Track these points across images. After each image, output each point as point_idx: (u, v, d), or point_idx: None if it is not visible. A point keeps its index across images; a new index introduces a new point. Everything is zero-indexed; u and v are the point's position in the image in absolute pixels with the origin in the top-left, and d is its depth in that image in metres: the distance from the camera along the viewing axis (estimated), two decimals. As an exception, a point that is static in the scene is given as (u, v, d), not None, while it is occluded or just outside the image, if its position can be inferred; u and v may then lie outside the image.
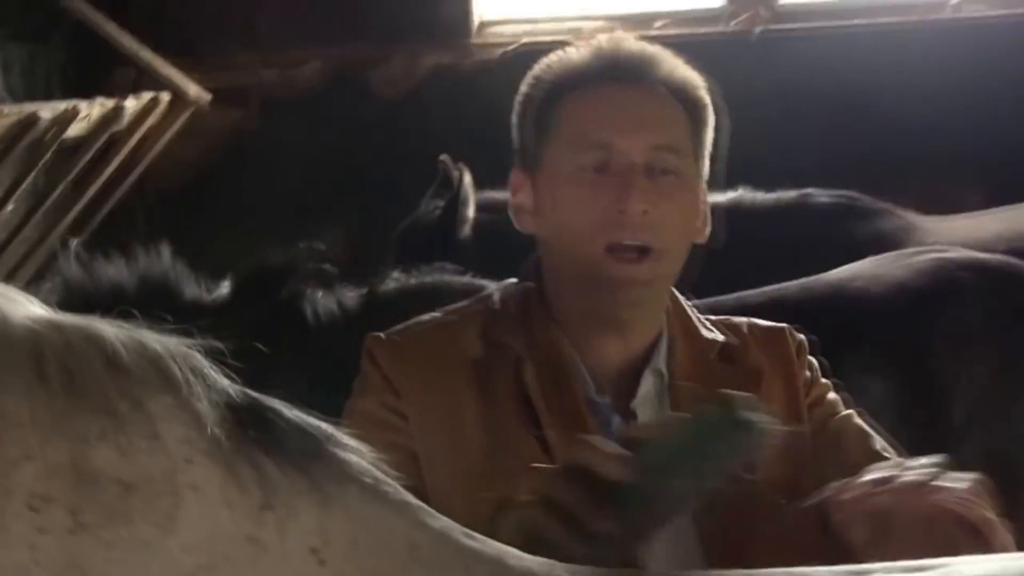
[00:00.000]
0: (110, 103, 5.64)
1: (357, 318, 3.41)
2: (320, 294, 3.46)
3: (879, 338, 3.33)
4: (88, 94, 5.62)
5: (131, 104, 5.77)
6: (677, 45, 2.20)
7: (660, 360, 2.10)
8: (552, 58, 2.17)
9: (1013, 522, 1.95)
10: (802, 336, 2.19)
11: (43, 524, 1.19)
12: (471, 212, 4.69)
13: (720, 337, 2.15)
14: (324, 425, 1.36)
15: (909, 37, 5.95)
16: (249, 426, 1.30)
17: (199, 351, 1.33)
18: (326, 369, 2.71)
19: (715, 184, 2.18)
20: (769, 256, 3.82)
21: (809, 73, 5.85)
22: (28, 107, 5.23)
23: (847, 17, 6.12)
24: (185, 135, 6.18)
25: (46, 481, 1.20)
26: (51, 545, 1.19)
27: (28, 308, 1.31)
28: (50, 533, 1.19)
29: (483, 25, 6.33)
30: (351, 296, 3.51)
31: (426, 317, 2.17)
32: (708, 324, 2.17)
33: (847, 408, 2.17)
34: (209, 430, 1.27)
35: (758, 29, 6.08)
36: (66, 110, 5.33)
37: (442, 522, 1.37)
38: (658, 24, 6.05)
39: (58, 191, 5.68)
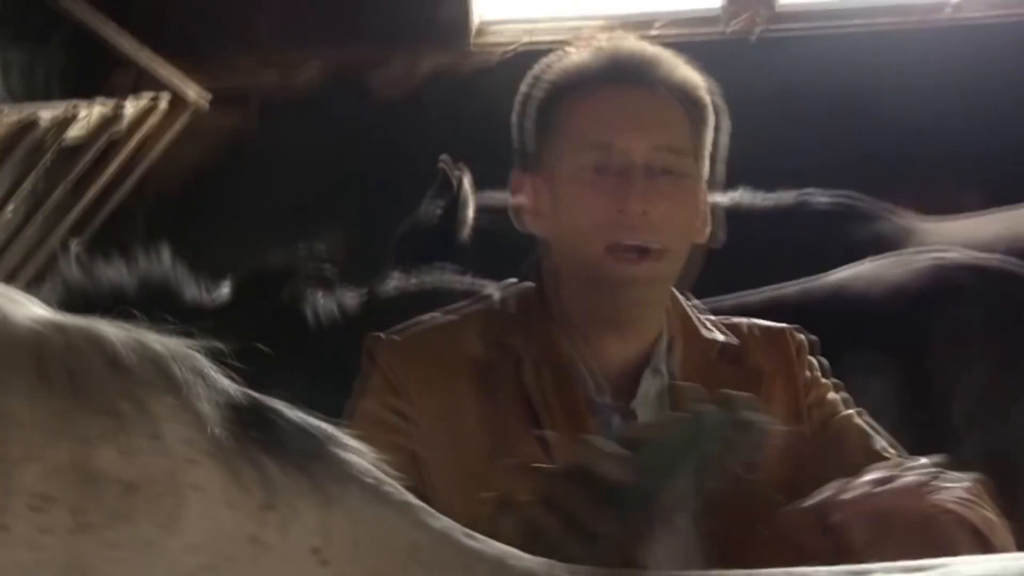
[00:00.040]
0: (110, 105, 5.64)
1: (357, 319, 3.42)
2: (320, 296, 3.47)
3: (878, 339, 3.34)
4: (88, 96, 5.62)
5: (131, 106, 5.78)
6: (676, 47, 2.21)
7: (661, 360, 2.10)
8: (553, 59, 2.18)
9: (1013, 522, 1.96)
10: (803, 336, 2.20)
11: (45, 524, 1.19)
12: (471, 213, 4.69)
13: (721, 337, 2.15)
14: (325, 425, 1.36)
15: (908, 39, 5.96)
16: (251, 426, 1.30)
17: (200, 352, 1.33)
18: (326, 370, 2.71)
19: (715, 185, 2.18)
20: (768, 257, 3.82)
21: (808, 75, 5.85)
22: (28, 109, 5.23)
23: (846, 18, 6.13)
24: (185, 137, 6.19)
25: (48, 481, 1.20)
26: (53, 545, 1.19)
27: (30, 309, 1.31)
28: (52, 533, 1.19)
29: (482, 27, 6.33)
30: (351, 298, 3.51)
31: (427, 317, 2.18)
32: (709, 324, 2.18)
33: (848, 408, 2.17)
34: (211, 430, 1.27)
35: (757, 31, 6.08)
36: (66, 112, 5.33)
37: (443, 522, 1.37)
38: (657, 26, 6.05)
39: (58, 193, 5.68)
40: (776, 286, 3.56)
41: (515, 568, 1.39)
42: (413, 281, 3.58)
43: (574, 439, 1.61)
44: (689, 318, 2.16)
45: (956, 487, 1.95)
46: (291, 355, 3.00)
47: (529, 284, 2.18)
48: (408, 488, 1.38)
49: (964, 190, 5.42)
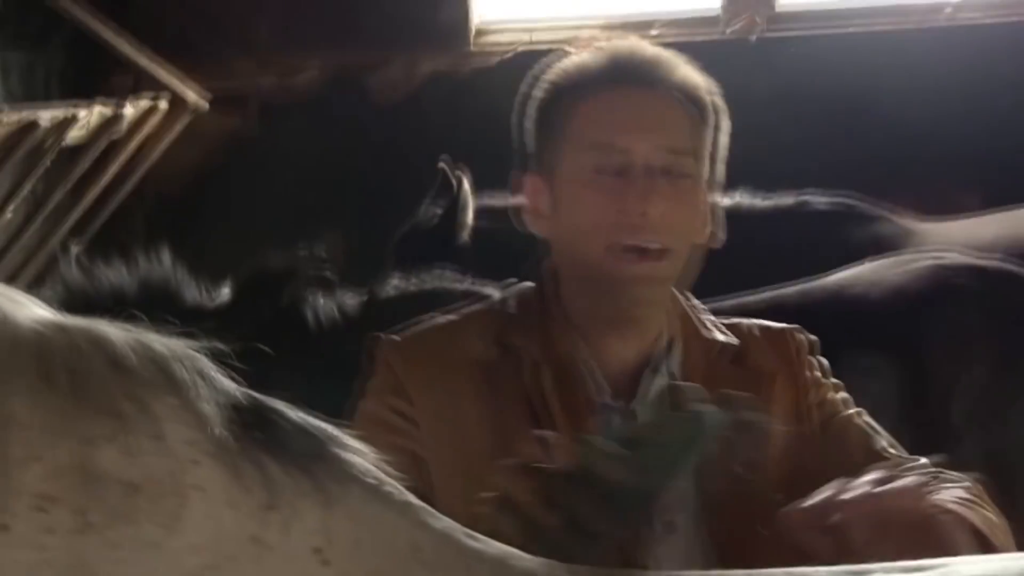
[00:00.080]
0: (109, 107, 5.64)
1: (357, 321, 3.42)
2: (320, 297, 3.47)
3: (878, 340, 3.34)
4: (87, 97, 5.63)
5: (131, 108, 5.78)
6: (675, 48, 2.21)
7: (661, 360, 2.11)
8: (555, 59, 2.18)
9: (1012, 522, 1.96)
10: (804, 336, 2.20)
11: (49, 524, 1.19)
12: (471, 215, 4.69)
13: (721, 337, 2.16)
14: (326, 426, 1.36)
15: (906, 41, 5.96)
16: (253, 427, 1.30)
17: (202, 353, 1.33)
18: (326, 371, 2.72)
19: (716, 185, 2.19)
20: (768, 258, 3.83)
21: (807, 76, 5.86)
22: (27, 112, 5.24)
23: (845, 20, 6.13)
24: (184, 140, 6.19)
25: (52, 482, 1.20)
26: (56, 545, 1.19)
27: (32, 310, 1.32)
28: (55, 533, 1.19)
29: (481, 30, 6.34)
30: (351, 299, 3.51)
31: (437, 319, 2.18)
32: (709, 324, 2.18)
33: (849, 408, 2.18)
34: (213, 431, 1.28)
35: (756, 32, 6.09)
36: (65, 116, 5.33)
37: (444, 523, 1.38)
38: (656, 27, 6.06)
39: (58, 194, 5.68)
40: (776, 287, 3.57)
41: (516, 568, 1.39)
42: (413, 282, 3.59)
43: (574, 439, 1.61)
44: (690, 318, 2.16)
45: (956, 487, 1.96)
46: (291, 356, 3.00)
47: (530, 284, 2.18)
48: (409, 488, 1.39)
49: (963, 191, 5.42)
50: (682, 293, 2.19)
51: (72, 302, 3.13)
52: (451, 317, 2.19)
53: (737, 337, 2.17)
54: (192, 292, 3.46)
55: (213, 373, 1.32)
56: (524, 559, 1.41)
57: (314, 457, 1.32)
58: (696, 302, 2.22)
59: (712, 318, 2.20)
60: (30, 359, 1.25)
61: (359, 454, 1.36)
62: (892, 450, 2.11)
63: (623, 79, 2.11)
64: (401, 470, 1.39)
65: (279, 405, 1.35)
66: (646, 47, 2.17)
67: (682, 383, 1.99)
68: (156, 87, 6.03)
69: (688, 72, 2.13)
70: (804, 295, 3.56)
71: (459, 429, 2.02)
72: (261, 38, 6.28)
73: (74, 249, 3.51)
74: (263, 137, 6.28)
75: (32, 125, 5.15)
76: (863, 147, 5.79)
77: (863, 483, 1.84)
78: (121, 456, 1.23)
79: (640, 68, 2.12)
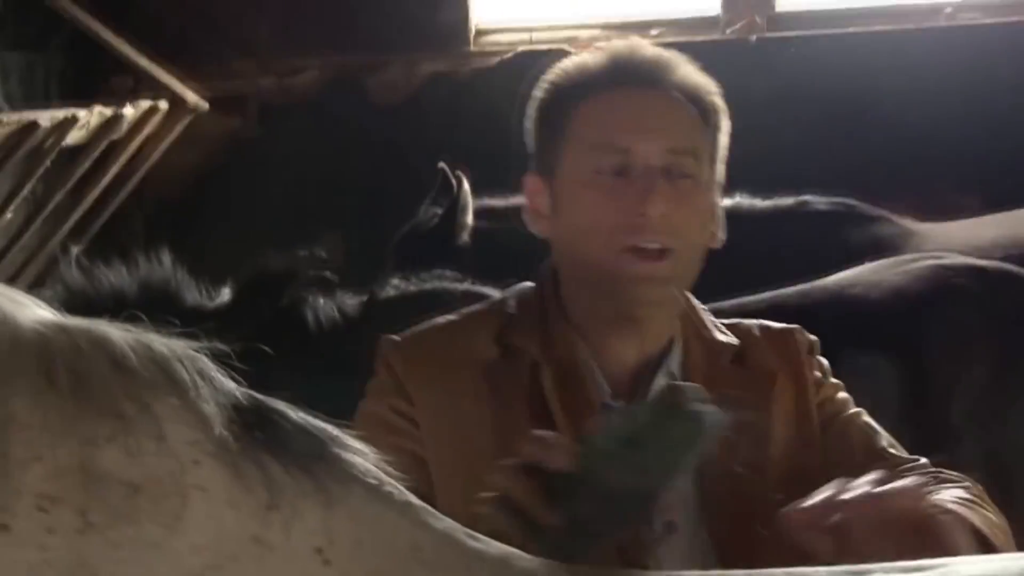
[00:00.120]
0: (109, 110, 5.64)
1: (357, 323, 3.42)
2: (321, 299, 3.47)
3: (878, 342, 3.34)
4: (86, 101, 5.63)
5: (130, 111, 5.78)
6: (674, 50, 2.21)
7: (673, 363, 2.11)
8: (567, 63, 2.18)
9: (1012, 522, 1.96)
10: (812, 337, 2.21)
11: (52, 524, 1.20)
12: (470, 218, 4.70)
13: (726, 339, 2.16)
14: (328, 426, 1.37)
15: (905, 43, 5.96)
16: (255, 428, 1.31)
17: (204, 353, 1.34)
18: (327, 373, 2.72)
19: (720, 186, 2.19)
20: (768, 260, 3.83)
21: (807, 78, 5.86)
22: (27, 115, 5.24)
23: (843, 24, 6.13)
24: (183, 142, 6.19)
25: (55, 482, 1.21)
26: (60, 545, 1.20)
27: (34, 311, 1.32)
28: (59, 533, 1.20)
29: (480, 32, 6.34)
30: (351, 301, 3.51)
31: (440, 320, 2.18)
32: (720, 327, 2.18)
33: (852, 408, 2.18)
34: (215, 432, 1.28)
35: (754, 36, 6.09)
36: (65, 117, 5.33)
37: (445, 523, 1.38)
38: (655, 31, 6.06)
39: (57, 198, 5.68)
40: (776, 288, 3.57)
41: (517, 568, 1.40)
42: (413, 283, 3.59)
43: (574, 439, 1.61)
44: (691, 318, 2.16)
45: (956, 487, 1.96)
46: (291, 357, 3.00)
47: (531, 285, 2.18)
48: (409, 489, 1.39)
49: (963, 193, 5.42)
50: (685, 294, 2.19)
51: (72, 303, 3.13)
52: (452, 317, 2.19)
53: (738, 338, 2.17)
54: (192, 293, 3.45)
55: (214, 373, 1.33)
56: (524, 559, 1.42)
57: (315, 457, 1.32)
58: (697, 303, 2.22)
59: (713, 319, 2.20)
60: (32, 359, 1.26)
61: (360, 454, 1.36)
62: (893, 450, 2.11)
63: (624, 79, 2.11)
64: (402, 470, 1.39)
65: (280, 405, 1.35)
66: (647, 47, 2.17)
67: (681, 383, 1.99)
68: (156, 88, 6.03)
69: (689, 72, 2.14)
70: (804, 296, 3.56)
71: (460, 429, 2.02)
72: (261, 39, 6.28)
73: (74, 250, 3.51)
74: (263, 138, 6.28)
75: (32, 126, 5.16)
76: (863, 148, 5.79)
77: (863, 483, 1.84)
78: (122, 456, 1.24)
79: (641, 68, 2.12)
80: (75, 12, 5.85)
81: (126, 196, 6.16)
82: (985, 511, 1.92)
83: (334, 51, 6.23)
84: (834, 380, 2.19)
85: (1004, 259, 3.75)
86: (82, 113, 5.45)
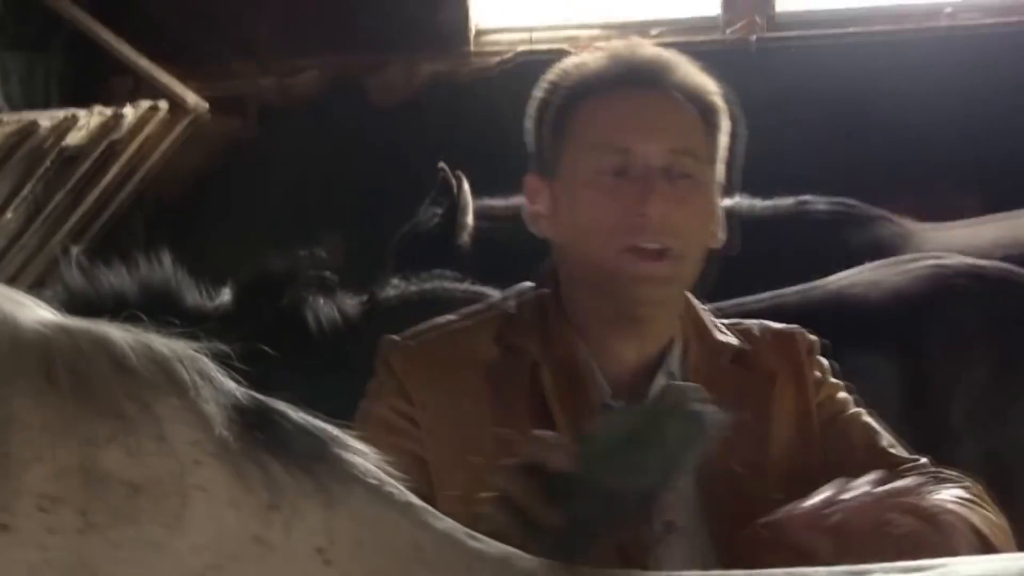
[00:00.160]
0: (109, 111, 5.65)
1: (358, 325, 3.42)
2: (321, 301, 3.47)
3: (878, 344, 3.34)
4: (86, 102, 5.63)
5: (130, 112, 5.78)
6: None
7: (674, 363, 2.11)
8: (569, 64, 2.18)
9: (1012, 522, 1.97)
10: (813, 337, 2.21)
11: (53, 524, 1.20)
12: (470, 219, 4.70)
13: (733, 340, 2.16)
14: (329, 427, 1.37)
15: (905, 45, 5.96)
16: (255, 428, 1.31)
17: (205, 354, 1.34)
18: (327, 375, 2.72)
19: (728, 190, 2.19)
20: (768, 263, 3.83)
21: (806, 81, 5.86)
22: (27, 116, 5.24)
23: (843, 25, 6.14)
24: (183, 143, 6.19)
25: (56, 482, 1.21)
26: (60, 545, 1.20)
27: (36, 312, 1.33)
28: (60, 533, 1.20)
29: (480, 33, 6.34)
30: (351, 303, 3.52)
31: (441, 320, 2.18)
32: (721, 327, 2.18)
33: (855, 408, 2.18)
34: (216, 432, 1.28)
35: (754, 37, 6.09)
36: (65, 119, 5.33)
37: (446, 523, 1.38)
38: (655, 32, 6.06)
39: (57, 199, 5.68)
40: (775, 291, 3.57)
41: (517, 568, 1.40)
42: (413, 285, 3.59)
43: (573, 439, 1.61)
44: (703, 321, 2.17)
45: (956, 487, 1.96)
46: (292, 358, 3.00)
47: (542, 288, 2.19)
48: (411, 490, 1.39)
49: (962, 195, 5.43)
50: (692, 296, 2.20)
51: (73, 304, 3.13)
52: (453, 318, 2.19)
53: (742, 338, 2.17)
54: (193, 295, 3.45)
55: (215, 374, 1.33)
56: (525, 559, 1.42)
57: (316, 457, 1.33)
58: (699, 303, 2.22)
59: (715, 319, 2.20)
60: (33, 360, 1.26)
61: (361, 455, 1.36)
62: (893, 450, 2.12)
63: (624, 79, 2.11)
64: (403, 471, 1.39)
65: (281, 406, 1.36)
66: (647, 47, 2.17)
67: (681, 383, 2.00)
68: (155, 92, 6.03)
69: (689, 72, 2.14)
70: (804, 298, 3.56)
71: (460, 429, 2.03)
72: (261, 41, 6.28)
73: (74, 251, 3.51)
74: (263, 139, 6.28)
75: (32, 127, 5.16)
76: (863, 150, 5.80)
77: (863, 483, 1.85)
78: (123, 456, 1.24)
79: (641, 68, 2.12)
80: (75, 13, 5.85)
81: (126, 198, 6.16)
82: (985, 511, 1.93)
83: (334, 53, 6.23)
84: (836, 380, 2.19)
85: (1004, 259, 3.75)
86: (82, 114, 5.45)
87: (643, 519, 1.71)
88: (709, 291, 2.24)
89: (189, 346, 1.34)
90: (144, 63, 6.00)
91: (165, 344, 1.32)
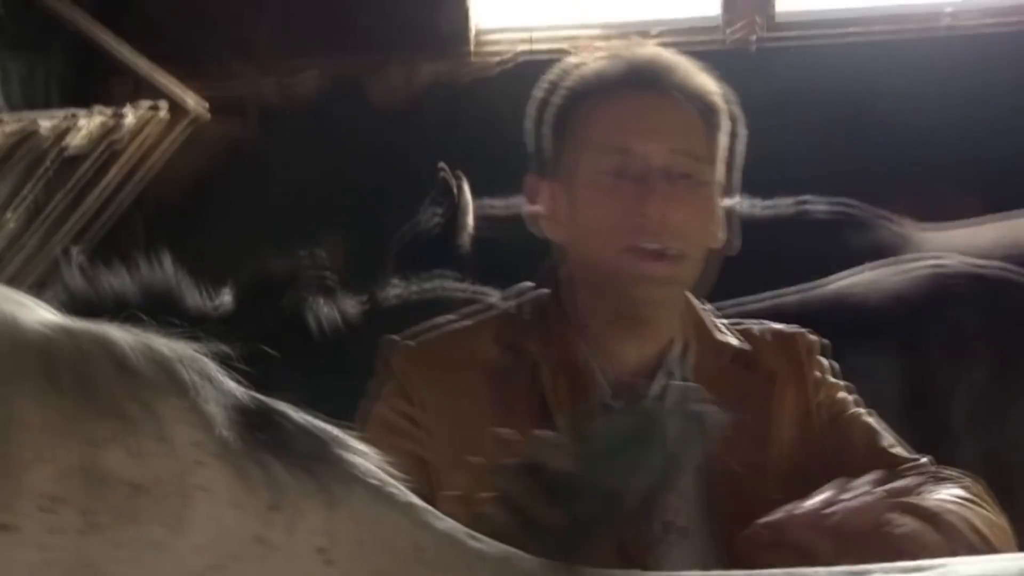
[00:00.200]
0: (109, 112, 5.64)
1: (359, 327, 3.43)
2: (322, 302, 3.47)
3: (877, 346, 3.35)
4: (86, 104, 5.63)
5: (130, 113, 5.78)
6: (674, 54, 2.22)
7: (674, 363, 2.11)
8: (571, 65, 2.19)
9: (1012, 522, 1.97)
10: (814, 337, 2.21)
11: (55, 525, 1.20)
12: (470, 221, 4.70)
13: (733, 341, 2.16)
14: (330, 428, 1.37)
15: (906, 47, 5.96)
16: (257, 428, 1.31)
17: (207, 355, 1.34)
18: (328, 378, 2.72)
19: (731, 191, 2.20)
20: (767, 265, 3.83)
21: (807, 83, 5.86)
22: (28, 118, 5.24)
23: (843, 27, 6.13)
24: (183, 144, 6.19)
25: (58, 483, 1.21)
26: (62, 545, 1.20)
27: (39, 313, 1.33)
28: (62, 534, 1.20)
29: (481, 35, 6.34)
30: (352, 305, 3.52)
31: (442, 321, 2.19)
32: (723, 328, 2.19)
33: (858, 407, 2.19)
34: (218, 432, 1.28)
35: (754, 39, 6.09)
36: (65, 119, 5.33)
37: (447, 523, 1.39)
38: (655, 34, 6.05)
39: (57, 201, 5.68)
40: (775, 293, 3.57)
41: (517, 568, 1.41)
42: (414, 289, 3.59)
43: (572, 438, 1.62)
44: (703, 322, 2.17)
45: (956, 486, 1.97)
46: (293, 361, 3.01)
47: (542, 289, 2.19)
48: (412, 491, 1.40)
49: (962, 197, 5.42)
50: (696, 298, 2.20)
51: (73, 306, 3.13)
52: (462, 321, 2.20)
53: (746, 340, 2.18)
54: (194, 297, 3.46)
55: (216, 374, 1.33)
56: (525, 559, 1.42)
57: (317, 458, 1.33)
58: (708, 307, 2.23)
59: (717, 320, 2.21)
60: (36, 361, 1.26)
61: (362, 455, 1.37)
62: (895, 449, 2.12)
63: (627, 81, 2.12)
64: (406, 473, 1.40)
65: (282, 406, 1.36)
66: (650, 49, 2.18)
67: (681, 383, 2.00)
68: (155, 94, 6.02)
69: (692, 74, 2.15)
70: (804, 301, 3.57)
71: (463, 430, 2.03)
72: (261, 43, 6.28)
73: (75, 254, 3.51)
74: (263, 141, 6.28)
75: (32, 132, 5.16)
76: (863, 153, 5.80)
77: (863, 483, 1.85)
78: (126, 457, 1.24)
79: (644, 70, 2.13)
80: (75, 14, 5.85)
81: (126, 198, 6.16)
82: (985, 510, 1.93)
83: (334, 55, 6.23)
84: (837, 380, 2.20)
85: (1003, 264, 3.75)
86: (82, 115, 5.45)
87: (643, 519, 1.71)
88: (709, 291, 2.25)
89: (190, 347, 1.34)
90: (144, 64, 6.00)
91: (166, 345, 1.32)
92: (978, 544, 1.82)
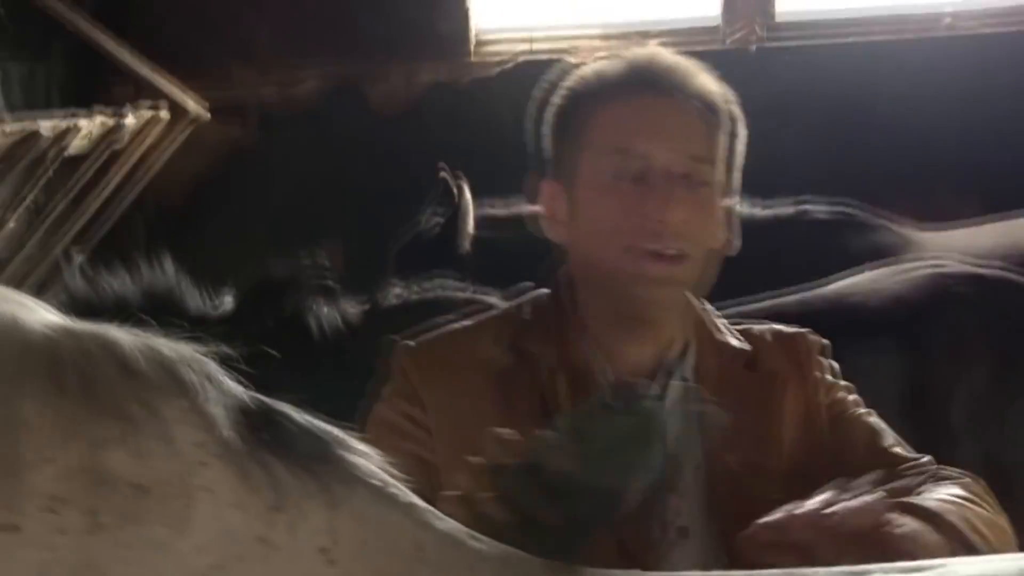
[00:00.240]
0: (110, 116, 5.65)
1: (360, 329, 3.43)
2: (323, 307, 3.48)
3: (877, 348, 3.35)
4: (87, 106, 5.63)
5: (131, 120, 5.78)
6: (675, 57, 2.22)
7: (675, 363, 2.12)
8: (585, 70, 2.19)
9: (1011, 522, 1.97)
10: (816, 338, 2.22)
11: (60, 525, 1.21)
12: (471, 224, 4.70)
13: (736, 342, 2.17)
14: (332, 429, 1.38)
15: (906, 50, 5.97)
16: (260, 429, 1.32)
17: (209, 356, 1.35)
18: (329, 379, 2.73)
19: (732, 192, 2.20)
20: (767, 267, 3.83)
21: (807, 86, 5.86)
22: (29, 123, 5.24)
23: (843, 32, 6.13)
24: (184, 148, 6.19)
25: (63, 484, 1.22)
26: (66, 546, 1.21)
27: (43, 315, 1.33)
28: (67, 534, 1.21)
29: (481, 40, 6.34)
30: (353, 307, 3.52)
31: (452, 325, 2.19)
32: (724, 329, 2.19)
33: (860, 408, 2.19)
34: (220, 433, 1.29)
35: (754, 44, 6.10)
36: (67, 123, 5.34)
37: (448, 523, 1.39)
38: (655, 37, 6.06)
39: (58, 206, 5.69)
40: (775, 294, 3.57)
41: (517, 568, 1.41)
42: (415, 291, 3.60)
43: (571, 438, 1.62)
44: (703, 323, 2.18)
45: (955, 485, 1.97)
46: (294, 364, 3.01)
47: (545, 291, 2.20)
48: (414, 491, 1.40)
49: (962, 199, 5.42)
50: (697, 299, 2.21)
51: (75, 309, 3.13)
52: (465, 323, 2.20)
53: (747, 340, 2.18)
54: (195, 300, 3.46)
55: (220, 376, 1.34)
56: (525, 559, 1.43)
57: (320, 459, 1.34)
58: (709, 307, 2.23)
59: (724, 323, 2.21)
60: (41, 363, 1.27)
61: (365, 456, 1.37)
62: (897, 449, 2.12)
63: (643, 86, 2.12)
64: (407, 473, 1.40)
65: (285, 408, 1.37)
66: (666, 55, 2.18)
67: (681, 383, 2.01)
68: (156, 97, 6.03)
69: (707, 80, 2.15)
70: (804, 303, 3.57)
71: (469, 432, 2.03)
72: (261, 49, 6.28)
73: (77, 258, 3.52)
74: (263, 145, 6.28)
75: (33, 135, 5.16)
76: (863, 156, 5.80)
77: (863, 483, 1.85)
78: (130, 458, 1.25)
79: (660, 76, 2.13)
80: (76, 19, 5.85)
81: (127, 204, 6.16)
82: (985, 510, 1.94)
83: (334, 59, 6.23)
84: (840, 380, 2.21)
85: (1003, 266, 3.76)
86: (83, 121, 5.45)
87: (643, 519, 1.71)
88: (709, 293, 2.25)
89: (192, 348, 1.35)
90: (145, 69, 6.00)
91: (170, 347, 1.33)
92: (978, 544, 1.82)
